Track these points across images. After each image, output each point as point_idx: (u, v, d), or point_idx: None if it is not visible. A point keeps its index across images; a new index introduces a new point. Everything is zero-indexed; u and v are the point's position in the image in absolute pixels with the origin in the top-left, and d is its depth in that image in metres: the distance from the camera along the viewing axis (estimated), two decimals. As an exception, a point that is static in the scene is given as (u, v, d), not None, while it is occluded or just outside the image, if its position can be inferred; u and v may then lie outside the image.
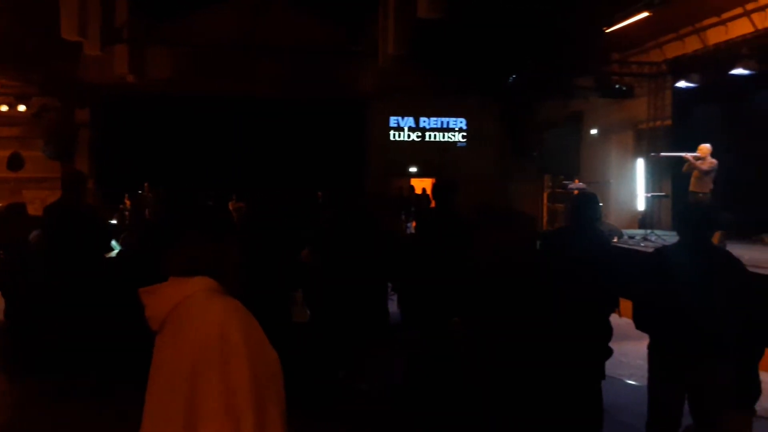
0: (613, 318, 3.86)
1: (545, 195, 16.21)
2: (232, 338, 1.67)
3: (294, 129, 15.32)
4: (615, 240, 9.58)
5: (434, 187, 4.91)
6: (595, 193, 4.50)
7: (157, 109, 14.77)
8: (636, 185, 13.80)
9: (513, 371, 2.54)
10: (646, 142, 13.61)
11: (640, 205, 13.04)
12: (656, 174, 13.18)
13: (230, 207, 9.17)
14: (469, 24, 10.69)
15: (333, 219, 5.41)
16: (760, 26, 10.04)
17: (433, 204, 5.27)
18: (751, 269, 6.46)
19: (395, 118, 16.77)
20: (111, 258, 5.52)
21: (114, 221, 9.35)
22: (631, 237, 9.79)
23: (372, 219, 5.39)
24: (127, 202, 10.55)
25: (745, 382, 3.62)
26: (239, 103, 14.79)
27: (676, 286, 3.16)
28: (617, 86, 12.88)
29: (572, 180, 13.22)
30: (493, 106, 15.24)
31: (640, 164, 13.70)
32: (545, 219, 15.51)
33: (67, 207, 4.76)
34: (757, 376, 3.78)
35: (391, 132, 16.85)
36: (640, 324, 3.39)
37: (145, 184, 11.58)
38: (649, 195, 12.12)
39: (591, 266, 3.76)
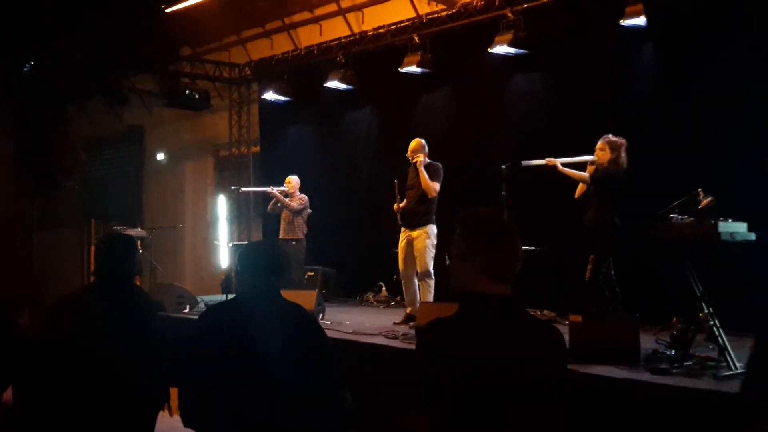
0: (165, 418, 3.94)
1: (92, 249, 15.76)
2: None
3: None
4: (187, 310, 9.76)
5: None
6: (131, 237, 4.44)
7: None
8: (218, 231, 14.45)
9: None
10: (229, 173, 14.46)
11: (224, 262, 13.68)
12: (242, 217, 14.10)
13: None
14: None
15: None
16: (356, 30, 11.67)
17: None
18: (352, 336, 7.28)
19: None
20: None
21: None
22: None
23: None
24: None
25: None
26: None
27: (231, 355, 3.24)
28: (188, 92, 13.41)
29: (134, 226, 13.24)
30: (5, 109, 14.16)
31: (222, 202, 14.40)
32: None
33: None
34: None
35: None
36: (188, 418, 3.39)
37: None
38: (231, 245, 12.71)
39: (123, 346, 3.77)
